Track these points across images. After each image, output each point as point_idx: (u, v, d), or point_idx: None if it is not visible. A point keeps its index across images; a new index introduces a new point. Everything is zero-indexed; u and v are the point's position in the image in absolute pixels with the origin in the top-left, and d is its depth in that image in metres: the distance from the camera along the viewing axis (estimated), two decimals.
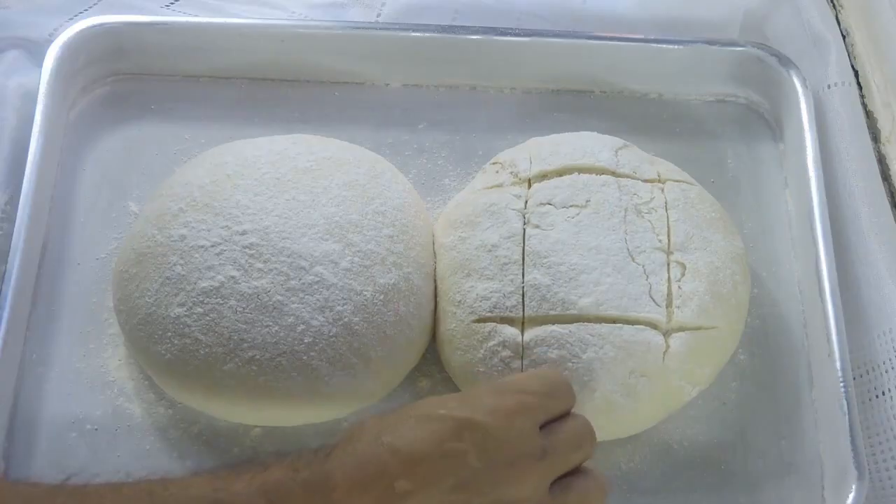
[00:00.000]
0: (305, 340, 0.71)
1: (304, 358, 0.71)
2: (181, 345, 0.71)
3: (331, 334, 0.71)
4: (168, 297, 0.72)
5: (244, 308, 0.71)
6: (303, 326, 0.71)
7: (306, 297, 0.72)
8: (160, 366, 0.72)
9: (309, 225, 0.74)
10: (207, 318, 0.71)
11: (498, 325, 0.73)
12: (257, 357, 0.70)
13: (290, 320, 0.71)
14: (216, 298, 0.71)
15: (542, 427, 0.61)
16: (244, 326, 0.71)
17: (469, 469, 0.57)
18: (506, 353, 0.72)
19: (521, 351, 0.72)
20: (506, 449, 0.58)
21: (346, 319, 0.72)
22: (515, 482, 0.58)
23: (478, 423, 0.58)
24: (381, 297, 0.73)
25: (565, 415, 0.63)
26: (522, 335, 0.72)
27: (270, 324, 0.71)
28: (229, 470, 0.57)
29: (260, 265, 0.72)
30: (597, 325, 0.72)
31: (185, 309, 0.71)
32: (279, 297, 0.71)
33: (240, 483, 0.56)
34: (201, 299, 0.71)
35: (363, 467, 0.56)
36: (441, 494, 0.56)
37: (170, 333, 0.71)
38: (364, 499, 0.56)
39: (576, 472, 0.62)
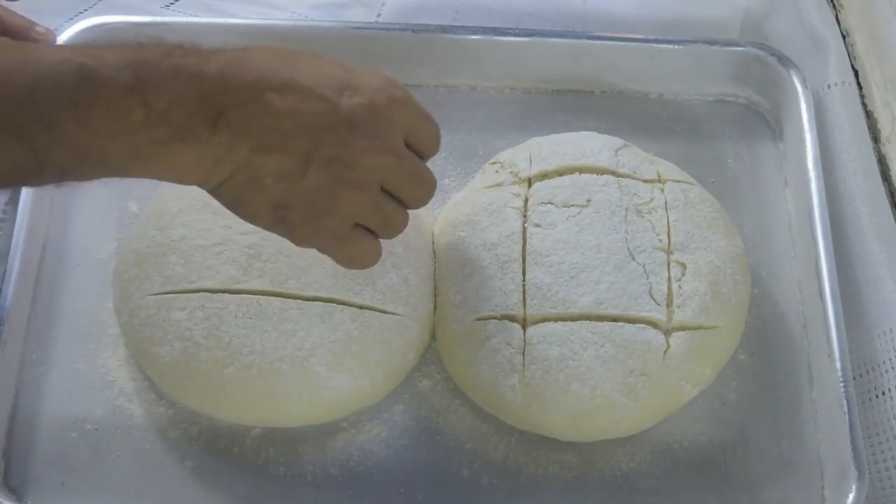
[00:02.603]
0: (305, 346, 0.71)
1: (304, 363, 0.71)
2: (182, 348, 0.71)
3: (330, 339, 0.71)
4: (169, 300, 0.72)
5: (244, 313, 0.71)
6: (302, 332, 0.71)
7: (305, 301, 0.72)
8: (160, 368, 0.72)
9: None
10: (208, 322, 0.71)
11: (499, 323, 0.73)
12: (257, 361, 0.70)
13: (289, 326, 0.71)
14: (217, 302, 0.71)
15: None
16: (244, 331, 0.71)
17: (336, 114, 0.60)
18: (508, 349, 0.72)
19: (523, 347, 0.72)
20: (382, 127, 0.62)
21: (345, 325, 0.72)
22: (370, 150, 0.61)
23: (369, 94, 0.62)
24: (381, 298, 0.73)
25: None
26: (524, 332, 0.73)
27: (270, 329, 0.71)
28: (105, 46, 0.57)
29: (259, 265, 0.72)
30: (598, 324, 0.72)
31: (185, 312, 0.71)
32: (280, 304, 0.71)
33: (110, 53, 0.56)
34: (202, 303, 0.71)
35: (241, 68, 0.58)
36: (298, 129, 0.59)
37: (170, 336, 0.71)
38: (228, 99, 0.57)
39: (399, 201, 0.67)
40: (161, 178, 0.60)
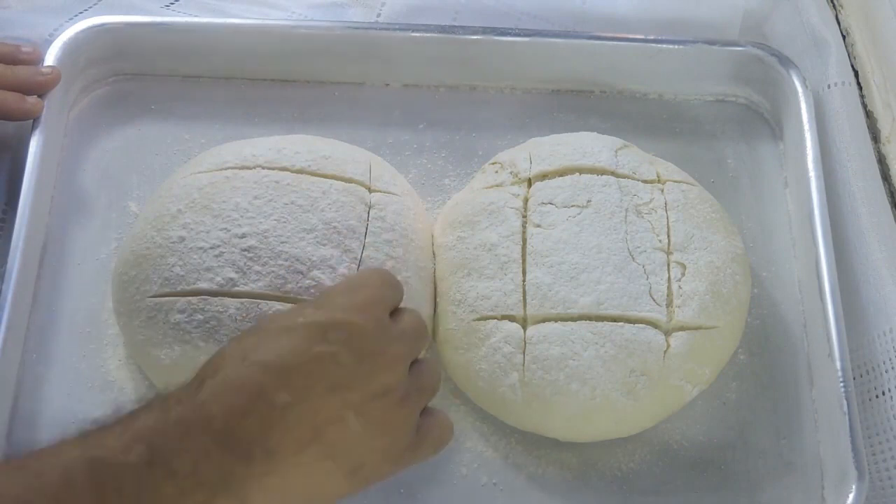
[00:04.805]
0: None
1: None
2: (181, 350, 0.71)
3: None
4: (168, 302, 0.72)
5: (244, 316, 0.71)
6: None
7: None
8: (160, 370, 0.72)
9: (307, 229, 0.74)
10: (207, 325, 0.71)
11: (499, 323, 0.73)
12: None
13: None
14: (216, 305, 0.71)
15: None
16: None
17: (342, 367, 0.57)
18: (507, 349, 0.72)
19: (524, 346, 0.72)
20: (371, 341, 0.59)
21: None
22: (386, 370, 0.59)
23: (340, 321, 0.58)
24: None
25: (399, 309, 0.65)
26: (524, 332, 0.73)
27: None
28: (97, 426, 0.54)
29: (258, 268, 0.72)
30: (598, 324, 0.72)
31: (185, 315, 0.71)
32: (279, 307, 0.71)
33: (111, 437, 0.53)
34: (201, 305, 0.71)
35: (238, 391, 0.55)
36: (319, 398, 0.56)
37: (170, 339, 0.71)
38: (246, 423, 0.54)
39: (418, 358, 0.64)
40: None
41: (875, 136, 0.88)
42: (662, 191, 0.79)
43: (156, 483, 0.51)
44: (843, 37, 0.93)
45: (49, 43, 0.85)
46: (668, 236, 0.77)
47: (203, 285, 0.72)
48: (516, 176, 0.80)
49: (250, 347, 0.57)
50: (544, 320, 0.73)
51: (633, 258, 0.75)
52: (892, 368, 0.76)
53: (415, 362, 0.63)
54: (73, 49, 0.85)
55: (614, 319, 0.73)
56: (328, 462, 0.57)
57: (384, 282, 0.63)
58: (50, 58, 0.84)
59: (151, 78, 0.90)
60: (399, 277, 0.73)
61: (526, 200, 0.78)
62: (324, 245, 0.73)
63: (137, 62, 0.89)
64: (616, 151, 0.81)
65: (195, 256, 0.72)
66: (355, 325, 0.58)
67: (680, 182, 0.81)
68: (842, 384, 0.73)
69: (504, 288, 0.74)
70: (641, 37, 0.90)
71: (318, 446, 0.56)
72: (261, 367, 0.55)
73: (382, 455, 0.60)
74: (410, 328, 0.63)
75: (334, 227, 0.74)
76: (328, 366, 0.57)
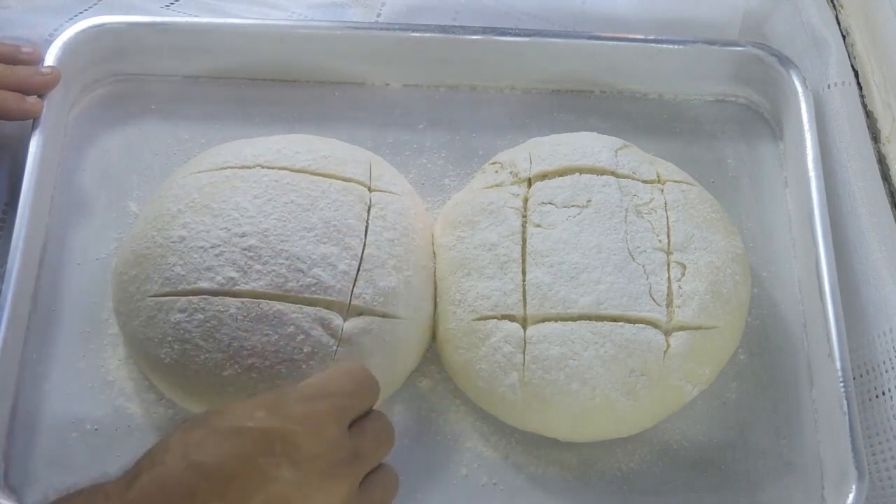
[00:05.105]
0: (304, 349, 0.71)
1: (304, 367, 0.70)
2: (181, 350, 0.71)
3: (329, 343, 0.71)
4: (168, 301, 0.72)
5: (244, 316, 0.71)
6: (302, 336, 0.71)
7: (305, 305, 0.72)
8: (160, 369, 0.72)
9: (307, 228, 0.74)
10: (208, 324, 0.71)
11: (499, 323, 0.73)
12: (257, 364, 0.70)
13: (289, 329, 0.71)
14: (217, 305, 0.71)
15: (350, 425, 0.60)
16: (244, 334, 0.70)
17: (282, 482, 0.55)
18: (507, 348, 0.72)
19: (524, 346, 0.72)
20: (319, 459, 0.57)
21: (344, 328, 0.72)
22: (328, 490, 0.57)
23: (289, 433, 0.56)
24: (381, 301, 0.73)
25: (370, 412, 0.63)
26: (524, 332, 0.73)
27: (270, 332, 0.71)
28: None
29: (259, 267, 0.72)
30: (598, 324, 0.72)
31: (185, 315, 0.71)
32: (280, 307, 0.71)
33: None
34: (201, 305, 0.71)
35: (170, 493, 0.53)
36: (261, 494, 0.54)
37: (170, 338, 0.71)
38: None
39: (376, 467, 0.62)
40: None
41: (875, 136, 0.88)
42: (662, 191, 0.79)
43: None
44: (843, 37, 0.93)
45: (49, 43, 0.85)
46: (668, 236, 0.77)
47: (204, 285, 0.72)
48: (516, 176, 0.80)
49: (194, 443, 0.55)
50: (544, 320, 0.73)
51: (633, 258, 0.75)
52: (892, 368, 0.76)
53: (376, 468, 0.61)
54: (73, 49, 0.85)
55: (614, 319, 0.73)
56: None
57: (355, 389, 0.61)
58: (50, 58, 0.84)
59: (151, 78, 0.90)
60: (400, 276, 0.74)
61: (526, 200, 0.78)
62: (324, 243, 0.73)
63: (137, 62, 0.89)
64: (616, 151, 0.81)
65: (195, 256, 0.72)
66: (305, 439, 0.56)
67: (680, 182, 0.81)
68: (842, 384, 0.73)
69: (504, 288, 0.74)
70: (641, 37, 0.90)
71: None
72: (198, 469, 0.54)
73: None
74: (372, 442, 0.61)
75: (334, 226, 0.74)
76: (268, 480, 0.55)
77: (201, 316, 0.71)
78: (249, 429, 0.56)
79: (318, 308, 0.72)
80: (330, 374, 0.62)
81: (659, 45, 0.90)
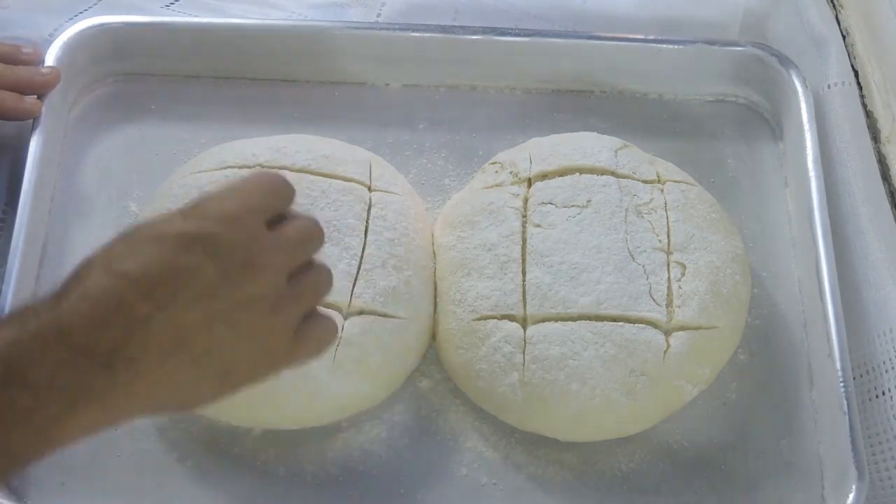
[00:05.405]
0: None
1: (304, 368, 0.70)
2: None
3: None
4: None
5: None
6: None
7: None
8: None
9: None
10: None
11: (499, 323, 0.73)
12: None
13: None
14: None
15: (270, 227, 0.61)
16: None
17: (206, 278, 0.56)
18: (508, 348, 0.72)
19: (524, 346, 0.72)
20: (239, 251, 0.58)
21: (345, 329, 0.72)
22: (253, 280, 0.58)
23: (207, 233, 0.58)
24: (381, 301, 0.73)
25: (289, 214, 0.63)
26: (524, 332, 0.73)
27: None
28: None
29: None
30: (598, 324, 0.72)
31: None
32: None
33: None
34: None
35: (98, 302, 0.55)
36: (183, 308, 0.56)
37: None
38: (105, 333, 0.54)
39: (307, 264, 0.63)
40: (92, 434, 0.56)
41: (875, 136, 0.88)
42: (662, 191, 0.79)
43: (10, 396, 0.52)
44: (843, 37, 0.93)
45: (49, 43, 0.85)
46: (668, 236, 0.77)
47: None
48: (516, 176, 0.80)
49: (116, 256, 0.57)
50: (544, 320, 0.73)
51: (633, 258, 0.75)
52: (892, 368, 0.76)
53: (307, 265, 0.62)
54: (73, 49, 0.85)
55: (614, 319, 0.73)
56: (196, 369, 0.57)
57: (265, 188, 0.62)
58: (50, 58, 0.84)
59: (151, 78, 0.90)
60: (400, 276, 0.74)
61: (526, 200, 0.78)
62: (324, 243, 0.73)
63: (137, 62, 0.89)
64: (616, 151, 0.81)
65: None
66: (223, 235, 0.58)
67: (680, 182, 0.81)
68: (842, 384, 0.73)
69: (504, 288, 0.74)
70: (641, 37, 0.90)
71: (183, 354, 0.56)
72: (123, 277, 0.55)
73: (255, 360, 0.60)
74: (292, 236, 0.62)
75: (334, 226, 0.74)
76: (192, 277, 0.56)
77: None
78: (168, 234, 0.57)
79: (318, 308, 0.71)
80: (241, 179, 0.63)
81: (659, 45, 0.90)
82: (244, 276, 0.58)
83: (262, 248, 0.59)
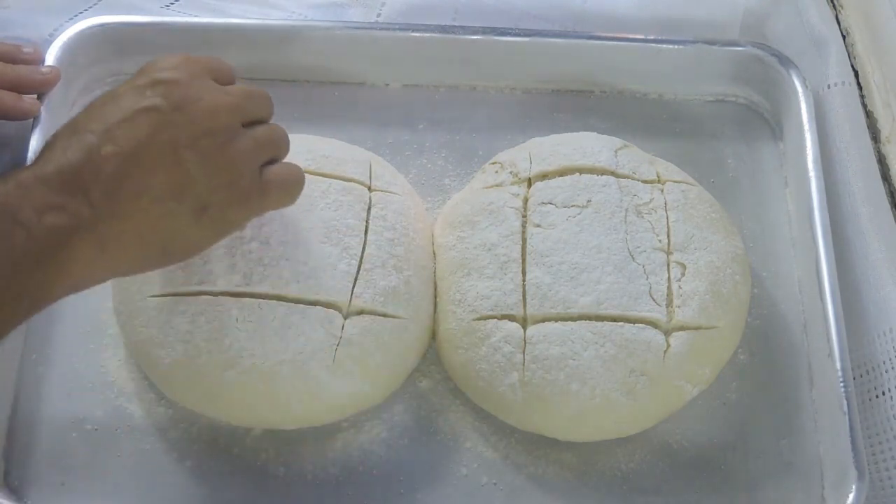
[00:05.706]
0: (306, 350, 0.71)
1: (305, 368, 0.70)
2: (182, 350, 0.71)
3: (330, 344, 0.71)
4: (170, 302, 0.72)
5: (246, 317, 0.71)
6: (303, 337, 0.71)
7: (306, 305, 0.72)
8: (161, 370, 0.72)
9: (308, 228, 0.74)
10: (210, 325, 0.71)
11: (499, 323, 0.73)
12: (258, 365, 0.70)
13: (290, 331, 0.71)
14: (218, 306, 0.71)
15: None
16: (245, 335, 0.70)
17: (162, 114, 0.62)
18: (508, 348, 0.72)
19: (524, 346, 0.72)
20: (191, 90, 0.64)
21: (345, 329, 0.72)
22: (208, 114, 0.64)
23: (159, 80, 0.64)
24: (381, 301, 0.73)
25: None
26: (524, 332, 0.73)
27: (271, 333, 0.71)
28: None
29: (261, 269, 0.72)
30: (598, 324, 0.72)
31: (187, 316, 0.71)
32: (280, 307, 0.71)
33: None
34: (203, 307, 0.71)
35: (68, 152, 0.60)
36: (146, 142, 0.61)
37: (171, 339, 0.71)
38: (79, 174, 0.59)
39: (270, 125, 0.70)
40: (89, 277, 0.63)
41: (875, 136, 0.88)
42: (662, 191, 0.79)
43: (5, 230, 0.57)
44: (843, 37, 0.93)
45: (49, 43, 0.85)
46: (668, 236, 0.77)
47: (206, 286, 0.72)
48: (516, 176, 0.80)
49: (81, 120, 0.63)
50: (544, 320, 0.73)
51: (633, 258, 0.75)
52: (892, 368, 0.76)
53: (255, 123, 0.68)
54: (73, 49, 0.85)
55: (614, 319, 0.73)
56: (171, 203, 0.62)
57: (248, 94, 0.68)
58: (50, 58, 0.84)
59: None
60: (400, 276, 0.74)
61: (526, 200, 0.78)
62: (324, 243, 0.73)
63: (137, 62, 0.87)
64: (616, 151, 0.81)
65: (197, 258, 0.72)
66: (173, 80, 0.64)
67: (680, 182, 0.81)
68: (842, 384, 0.73)
69: (504, 288, 0.74)
70: (641, 37, 0.90)
71: (157, 188, 0.61)
72: (89, 131, 0.61)
73: (226, 195, 0.64)
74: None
75: (334, 226, 0.74)
76: (149, 115, 0.62)
77: (203, 318, 0.71)
78: (124, 91, 0.64)
79: (318, 308, 0.72)
80: (232, 87, 0.69)
81: (659, 45, 0.90)
82: (197, 110, 0.64)
83: (210, 88, 0.65)
